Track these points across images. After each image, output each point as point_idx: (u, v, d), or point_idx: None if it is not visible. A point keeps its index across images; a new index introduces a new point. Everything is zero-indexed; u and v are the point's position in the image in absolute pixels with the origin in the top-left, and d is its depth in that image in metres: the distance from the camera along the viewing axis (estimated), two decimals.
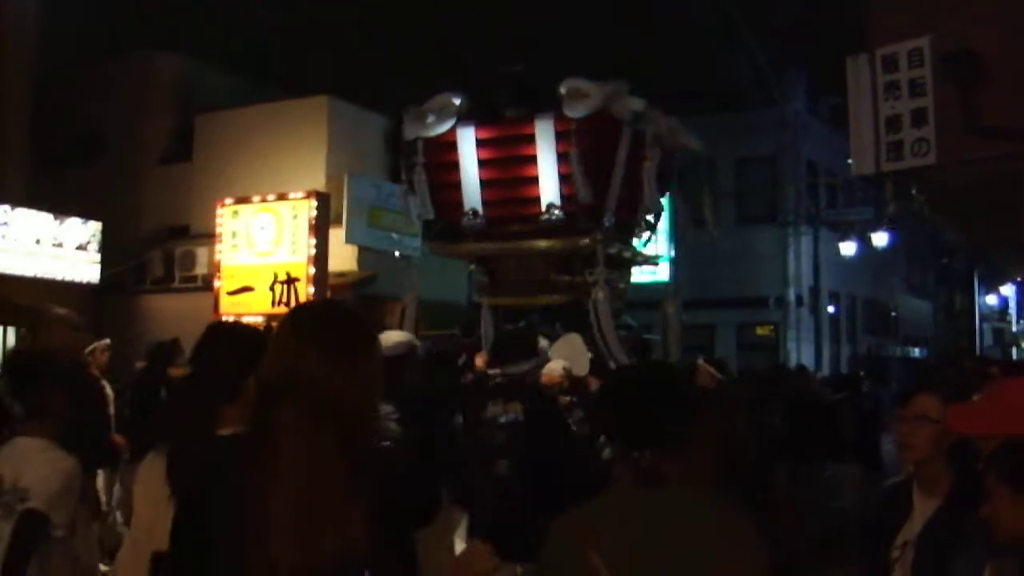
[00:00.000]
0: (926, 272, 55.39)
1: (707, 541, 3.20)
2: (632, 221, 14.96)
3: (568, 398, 9.34)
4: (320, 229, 21.13)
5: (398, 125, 17.88)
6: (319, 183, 22.19)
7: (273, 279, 21.23)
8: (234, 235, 21.98)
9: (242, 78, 25.81)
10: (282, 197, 21.68)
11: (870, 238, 34.20)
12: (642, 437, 3.37)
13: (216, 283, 22.09)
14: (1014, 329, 58.30)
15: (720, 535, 3.22)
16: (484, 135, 14.46)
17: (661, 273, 33.54)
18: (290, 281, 21.09)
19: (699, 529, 3.23)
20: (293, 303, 20.82)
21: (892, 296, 49.01)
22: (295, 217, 21.29)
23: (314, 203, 21.15)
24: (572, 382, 10.51)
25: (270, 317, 20.78)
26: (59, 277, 21.66)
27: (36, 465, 4.89)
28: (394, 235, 22.86)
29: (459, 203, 14.68)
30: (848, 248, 34.80)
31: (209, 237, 22.66)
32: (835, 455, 12.91)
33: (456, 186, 14.66)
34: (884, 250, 35.90)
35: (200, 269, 23.59)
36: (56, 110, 24.47)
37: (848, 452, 13.36)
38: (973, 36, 10.77)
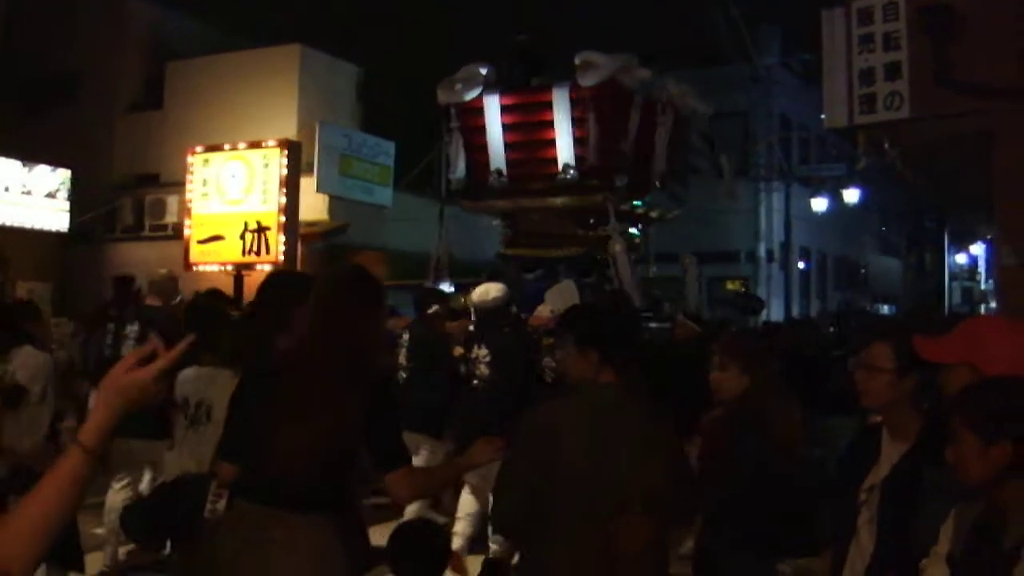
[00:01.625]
0: (897, 230, 55.59)
1: (637, 422, 4.68)
2: (646, 180, 16.21)
3: (551, 339, 9.55)
4: (291, 178, 21.06)
5: (368, 74, 18.99)
6: (290, 132, 22.09)
7: (243, 228, 21.15)
8: (205, 183, 21.88)
9: (214, 26, 25.60)
10: (253, 145, 21.59)
11: (841, 194, 34.28)
12: (595, 339, 4.78)
13: (186, 231, 22.00)
14: (982, 287, 58.51)
15: (645, 418, 4.74)
16: (507, 102, 15.80)
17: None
18: (260, 230, 21.02)
19: (630, 413, 4.69)
20: (263, 252, 20.81)
21: (863, 253, 49.22)
22: (266, 166, 21.20)
23: (285, 152, 21.07)
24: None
25: (240, 266, 20.75)
26: (28, 225, 21.57)
27: (216, 386, 6.36)
28: (365, 184, 22.83)
29: (486, 164, 16.09)
30: (820, 204, 34.86)
31: (179, 185, 22.56)
32: (832, 407, 12.95)
33: (483, 148, 16.06)
34: (855, 207, 36.00)
35: (170, 217, 23.46)
36: (25, 55, 24.27)
37: (847, 404, 13.36)
38: None
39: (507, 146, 15.94)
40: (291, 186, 21.07)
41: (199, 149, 22.14)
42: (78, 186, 22.53)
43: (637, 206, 16.55)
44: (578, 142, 15.29)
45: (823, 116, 12.52)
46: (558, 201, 15.91)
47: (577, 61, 15.12)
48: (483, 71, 16.09)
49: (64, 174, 22.22)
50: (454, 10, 33.58)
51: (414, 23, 34.15)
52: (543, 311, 11.79)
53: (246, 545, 4.36)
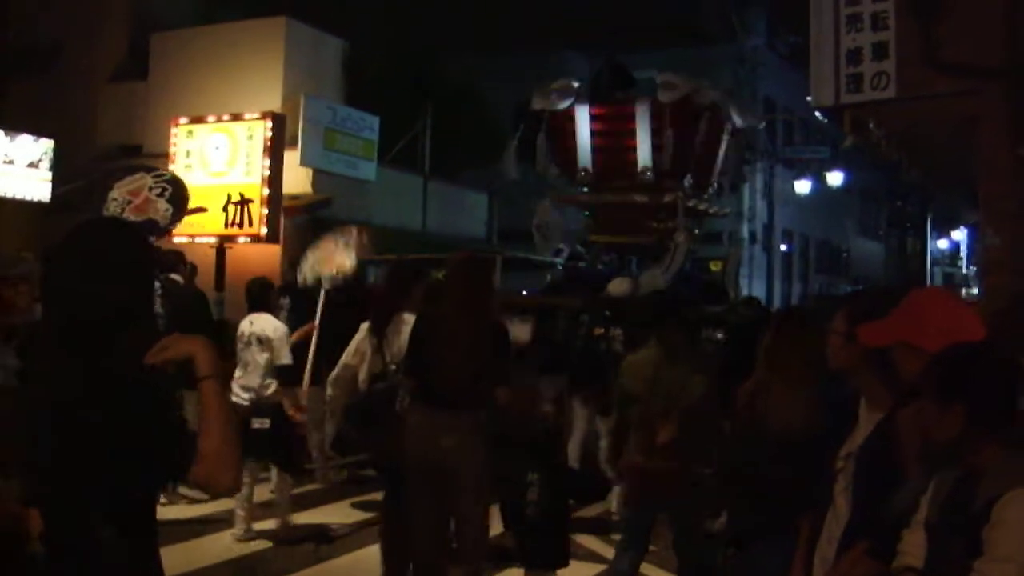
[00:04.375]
0: (879, 214, 55.85)
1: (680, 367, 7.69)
2: (707, 183, 20.13)
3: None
4: (275, 150, 21.00)
5: (354, 49, 20.54)
6: (275, 104, 21.99)
7: (227, 200, 21.08)
8: (188, 155, 21.81)
9: None
10: (237, 118, 21.51)
11: (825, 177, 34.38)
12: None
13: None
14: (964, 273, 58.76)
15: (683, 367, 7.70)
16: (596, 112, 19.28)
17: None
18: (244, 202, 20.96)
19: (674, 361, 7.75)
20: (246, 224, 20.78)
21: (845, 237, 49.39)
22: (250, 138, 21.14)
23: (269, 124, 21.01)
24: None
25: (222, 238, 20.71)
26: (9, 195, 21.44)
27: (265, 322, 10.81)
28: (349, 158, 22.81)
29: (574, 163, 19.64)
30: (803, 186, 35.01)
31: (163, 157, 22.42)
32: None
33: (572, 150, 19.50)
34: (838, 190, 36.10)
35: None
36: (6, 23, 24.13)
37: None
38: None
39: (594, 149, 19.19)
40: (275, 159, 21.01)
41: (183, 120, 22.04)
42: (60, 156, 22.41)
43: (697, 204, 20.06)
44: (655, 148, 18.63)
45: (809, 97, 12.56)
46: (637, 197, 19.21)
47: (658, 80, 18.70)
48: (575, 84, 19.67)
49: (47, 144, 22.08)
50: None
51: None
52: (619, 286, 15.51)
53: (422, 427, 7.38)
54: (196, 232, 20.80)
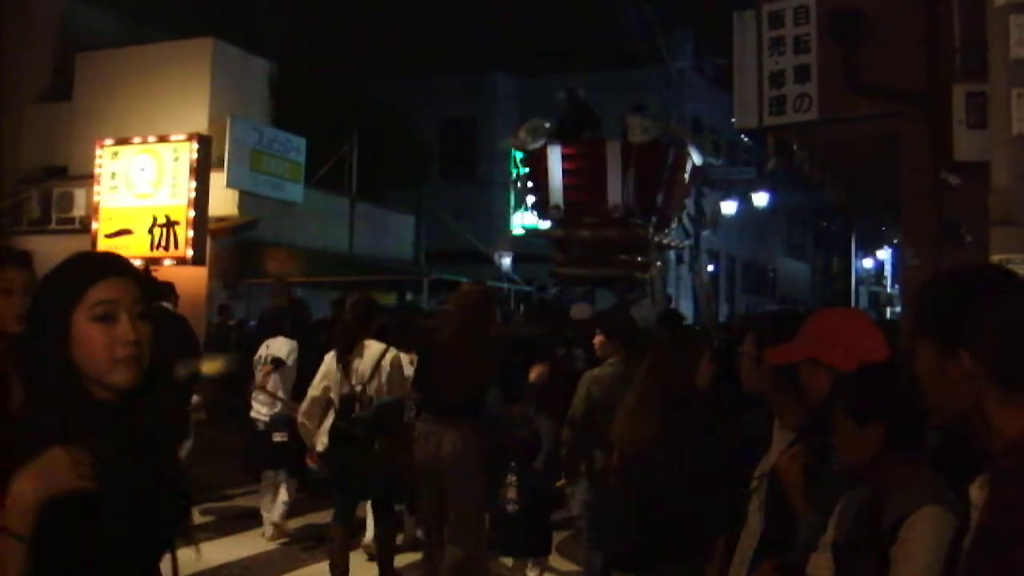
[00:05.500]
0: (805, 235, 56.32)
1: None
2: (669, 217, 21.13)
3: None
4: (201, 172, 20.93)
5: (282, 71, 20.63)
6: (201, 126, 21.89)
7: (152, 222, 21.00)
8: (113, 176, 21.70)
9: (125, 17, 25.30)
10: (163, 139, 21.41)
11: (751, 198, 34.61)
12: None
13: (94, 225, 21.77)
14: (889, 291, 59.29)
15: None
16: (567, 151, 19.89)
17: (543, 226, 34.18)
18: (169, 224, 20.88)
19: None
20: (171, 247, 20.68)
21: (771, 257, 49.76)
22: (176, 159, 21.06)
23: (195, 145, 20.95)
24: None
25: (148, 260, 20.57)
26: None
27: (279, 346, 11.72)
28: (276, 180, 22.76)
29: (546, 200, 20.23)
30: (729, 207, 35.18)
31: (88, 178, 22.32)
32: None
33: (545, 187, 20.13)
34: (764, 211, 36.36)
35: (78, 211, 23.14)
36: None
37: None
38: None
39: (565, 187, 19.78)
40: (201, 180, 20.94)
41: (108, 142, 21.92)
42: None
43: (661, 238, 21.04)
44: (623, 185, 19.23)
45: (733, 118, 12.64)
46: (607, 233, 19.83)
47: (629, 122, 19.38)
48: (547, 124, 20.29)
49: None
50: (368, 7, 33.50)
51: (326, 19, 34.05)
52: (581, 312, 15.27)
53: (429, 434, 8.34)
54: (121, 255, 20.67)
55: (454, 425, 8.31)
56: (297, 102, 24.97)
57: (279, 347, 11.75)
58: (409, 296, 25.76)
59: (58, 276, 2.72)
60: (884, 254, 57.30)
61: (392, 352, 9.33)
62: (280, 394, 11.55)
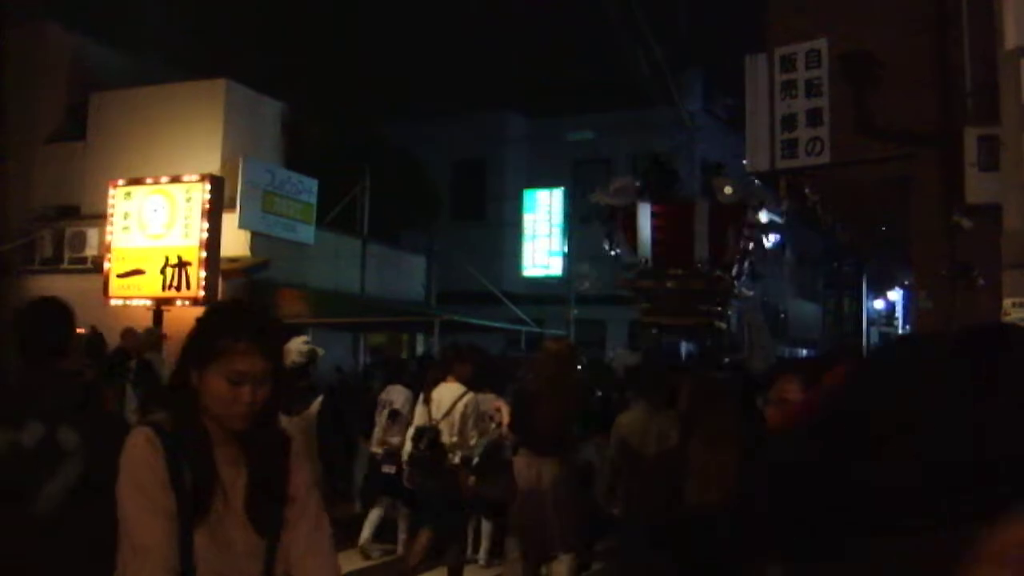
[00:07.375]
0: (816, 276, 56.14)
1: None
2: (741, 269, 21.88)
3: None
4: (213, 213, 20.95)
5: (294, 112, 20.76)
6: (214, 167, 21.94)
7: (164, 262, 21.01)
8: (126, 216, 21.72)
9: (139, 58, 25.38)
10: (176, 179, 21.45)
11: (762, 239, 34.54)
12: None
13: (106, 265, 21.80)
14: (900, 333, 59.12)
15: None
16: (656, 209, 21.08)
17: (554, 268, 34.24)
18: (181, 265, 20.89)
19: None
20: (183, 287, 20.70)
21: (782, 298, 49.58)
22: (188, 200, 21.08)
23: (208, 186, 20.97)
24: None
25: (159, 301, 20.59)
26: None
27: (397, 394, 12.74)
28: (287, 221, 22.79)
29: (635, 252, 21.35)
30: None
31: (100, 218, 22.35)
32: None
33: (634, 241, 21.25)
34: (774, 248, 36.30)
35: (90, 250, 23.17)
36: None
37: None
38: (869, 38, 10.94)
39: (654, 241, 20.98)
40: (213, 221, 20.96)
41: (121, 182, 21.96)
42: None
43: (737, 289, 22.08)
44: (710, 241, 20.52)
45: (745, 161, 12.65)
46: (693, 284, 21.03)
47: (717, 184, 20.61)
48: (637, 183, 21.66)
49: None
50: (379, 50, 33.55)
51: (339, 62, 34.13)
52: (627, 358, 17.19)
53: (529, 466, 9.58)
54: (133, 295, 20.71)
55: (549, 456, 9.60)
56: (308, 143, 25.02)
57: (395, 395, 12.98)
58: (420, 342, 26.04)
59: (204, 334, 3.36)
60: (895, 295, 57.13)
61: (469, 395, 10.67)
62: (395, 440, 12.49)
